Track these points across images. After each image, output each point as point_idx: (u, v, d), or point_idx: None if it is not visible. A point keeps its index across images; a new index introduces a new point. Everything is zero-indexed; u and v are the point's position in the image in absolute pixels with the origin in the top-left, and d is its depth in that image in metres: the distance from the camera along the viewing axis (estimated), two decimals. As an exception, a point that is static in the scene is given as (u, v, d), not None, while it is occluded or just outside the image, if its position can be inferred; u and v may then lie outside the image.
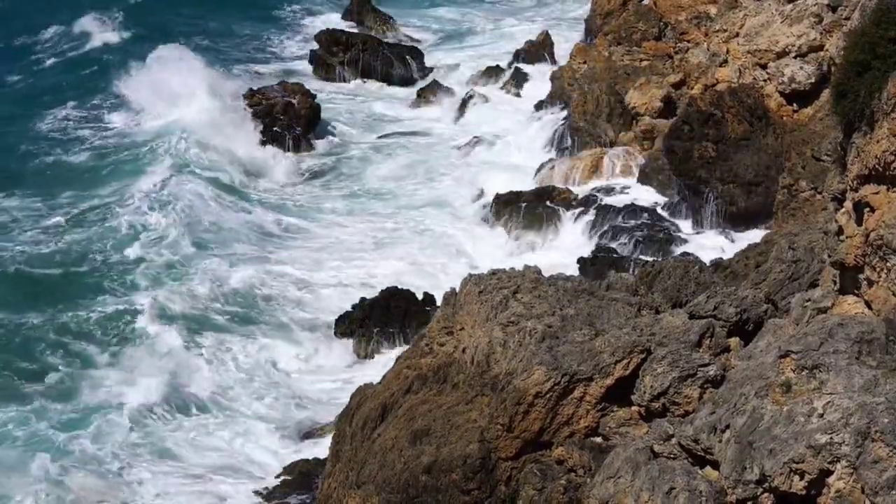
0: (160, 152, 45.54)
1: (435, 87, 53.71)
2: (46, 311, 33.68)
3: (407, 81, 56.13)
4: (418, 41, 62.49)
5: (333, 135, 49.89)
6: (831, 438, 13.82)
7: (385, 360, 30.10)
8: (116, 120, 49.66)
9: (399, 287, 33.96)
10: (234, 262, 37.32)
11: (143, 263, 36.74)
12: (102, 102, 51.55)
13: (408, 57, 57.69)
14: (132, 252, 37.38)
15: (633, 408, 18.90)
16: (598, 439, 18.97)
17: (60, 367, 30.85)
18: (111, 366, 31.17)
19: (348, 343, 32.84)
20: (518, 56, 55.24)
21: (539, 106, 48.03)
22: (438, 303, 27.02)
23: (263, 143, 47.52)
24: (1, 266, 36.27)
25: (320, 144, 48.96)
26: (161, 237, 38.43)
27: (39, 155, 45.96)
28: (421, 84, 55.04)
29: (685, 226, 38.28)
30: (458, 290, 22.32)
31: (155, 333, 32.45)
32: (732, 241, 36.56)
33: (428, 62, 57.58)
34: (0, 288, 35.03)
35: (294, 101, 49.36)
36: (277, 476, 26.58)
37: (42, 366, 30.98)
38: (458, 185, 43.84)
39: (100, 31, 60.30)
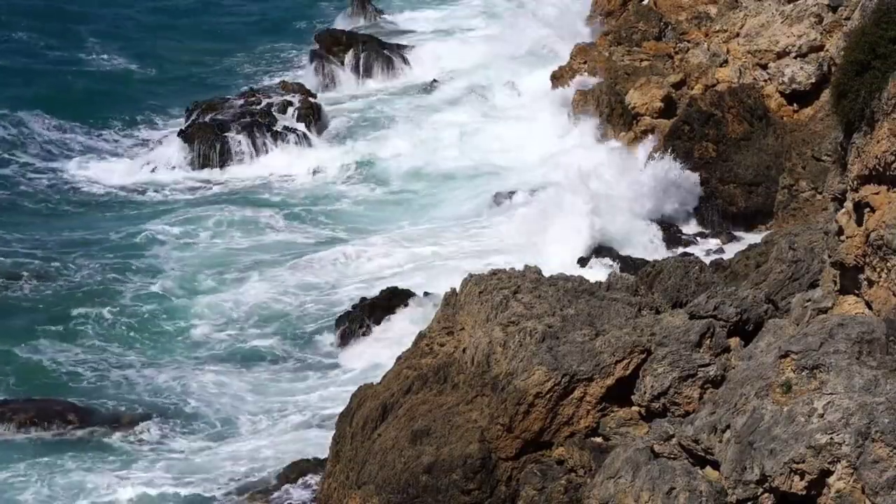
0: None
1: (435, 87, 53.72)
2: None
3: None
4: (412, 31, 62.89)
5: (338, 132, 49.91)
6: (831, 438, 13.81)
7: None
8: None
9: (399, 287, 33.95)
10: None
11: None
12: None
13: (408, 56, 57.74)
14: None
15: (634, 408, 18.90)
16: (599, 439, 18.98)
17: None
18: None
19: None
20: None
21: (539, 106, 47.96)
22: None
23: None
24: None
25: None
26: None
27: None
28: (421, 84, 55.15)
29: (685, 226, 38.26)
30: (458, 290, 22.33)
31: None
32: (732, 241, 36.55)
33: (427, 61, 57.56)
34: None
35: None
36: (277, 476, 26.56)
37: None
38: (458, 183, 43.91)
39: None
